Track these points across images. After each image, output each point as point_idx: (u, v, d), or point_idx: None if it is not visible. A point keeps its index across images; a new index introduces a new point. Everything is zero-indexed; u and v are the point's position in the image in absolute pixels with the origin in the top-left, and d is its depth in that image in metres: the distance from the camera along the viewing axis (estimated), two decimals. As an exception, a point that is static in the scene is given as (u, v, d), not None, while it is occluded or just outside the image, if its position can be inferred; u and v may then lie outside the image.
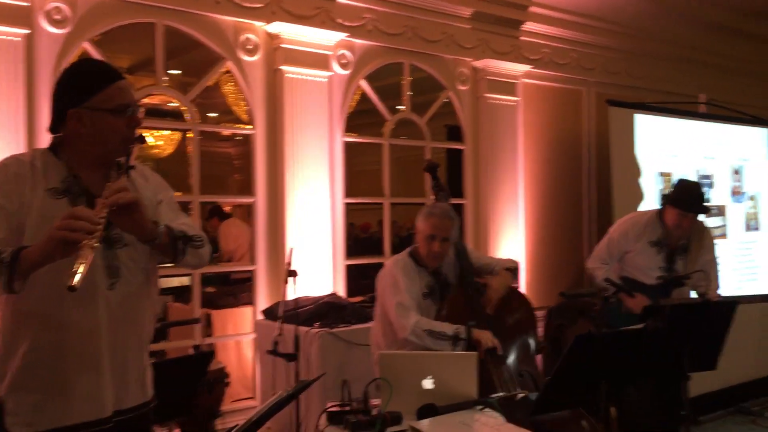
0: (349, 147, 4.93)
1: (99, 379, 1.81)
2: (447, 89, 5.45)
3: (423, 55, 5.27)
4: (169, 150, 7.77)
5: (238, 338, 4.95)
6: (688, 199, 3.92)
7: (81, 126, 1.82)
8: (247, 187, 4.68)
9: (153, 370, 2.00)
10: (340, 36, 4.70)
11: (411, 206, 5.85)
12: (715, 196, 6.22)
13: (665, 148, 5.94)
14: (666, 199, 4.08)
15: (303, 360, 3.63)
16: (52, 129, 1.90)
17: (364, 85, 5.01)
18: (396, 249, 4.28)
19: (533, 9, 5.72)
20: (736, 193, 6.43)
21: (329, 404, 2.46)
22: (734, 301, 3.25)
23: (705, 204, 3.99)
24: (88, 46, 3.94)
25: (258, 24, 4.47)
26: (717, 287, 4.05)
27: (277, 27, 4.44)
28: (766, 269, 6.64)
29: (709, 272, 3.96)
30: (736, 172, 6.45)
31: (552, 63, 6.00)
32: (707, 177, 6.17)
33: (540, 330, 5.09)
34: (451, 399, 2.36)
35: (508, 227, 5.62)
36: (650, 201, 5.67)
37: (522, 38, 5.76)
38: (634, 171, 5.73)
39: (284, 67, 4.50)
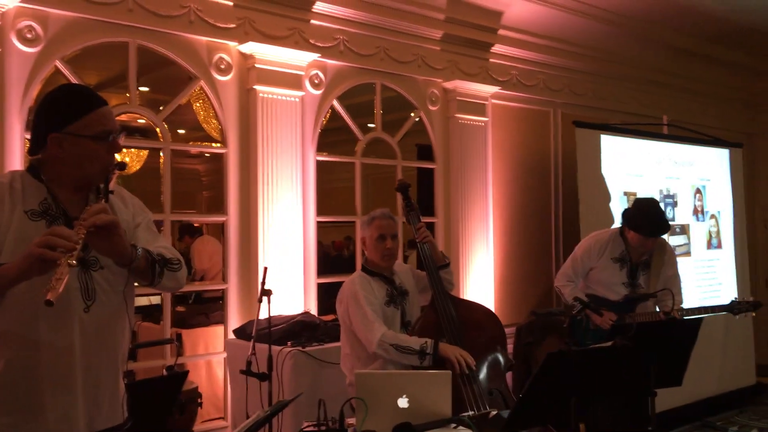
0: (320, 165, 4.97)
1: (72, 400, 1.81)
2: (418, 109, 5.53)
3: (394, 76, 5.34)
4: (136, 167, 7.71)
5: (209, 358, 4.92)
6: (649, 225, 4.03)
7: (61, 151, 1.83)
8: (217, 204, 4.68)
9: (127, 391, 2.00)
10: (312, 56, 4.74)
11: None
12: (678, 215, 6.37)
13: (630, 169, 6.07)
14: (626, 221, 4.18)
15: (276, 379, 3.63)
16: (32, 151, 1.90)
17: (336, 104, 5.06)
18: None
19: (502, 32, 5.84)
20: (698, 212, 6.60)
21: (305, 424, 2.47)
22: (699, 319, 3.35)
23: (665, 224, 4.10)
24: (59, 65, 3.92)
25: (231, 44, 4.49)
26: (681, 301, 4.16)
27: (250, 47, 4.47)
28: (728, 286, 6.81)
29: (672, 288, 4.07)
30: (699, 191, 6.62)
31: (520, 84, 6.12)
32: (671, 196, 6.33)
33: (509, 348, 5.15)
34: (426, 417, 2.39)
35: (478, 245, 5.69)
36: (616, 220, 5.79)
37: (491, 60, 5.87)
38: (600, 190, 5.85)
39: (257, 87, 4.52)
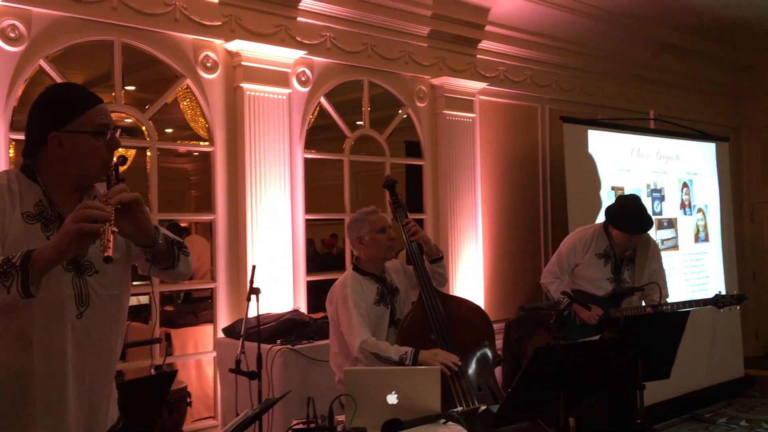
0: (308, 162, 4.96)
1: (64, 407, 1.79)
2: (406, 106, 5.53)
3: (382, 73, 5.34)
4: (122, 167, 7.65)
5: (199, 357, 4.90)
6: (632, 222, 4.05)
7: (62, 150, 1.82)
8: (205, 203, 4.66)
9: (117, 391, 1.99)
10: (299, 54, 4.73)
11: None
12: (666, 209, 6.41)
13: (618, 163, 6.10)
14: (609, 218, 4.19)
15: (265, 378, 3.62)
16: (27, 152, 1.88)
17: (323, 101, 5.05)
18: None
19: (489, 28, 5.85)
20: (685, 206, 6.63)
21: (294, 422, 2.47)
22: (685, 312, 3.37)
23: (648, 221, 4.12)
24: (44, 64, 3.89)
25: (217, 42, 4.48)
26: (666, 295, 4.18)
27: (237, 45, 4.46)
28: (716, 279, 6.86)
29: (657, 282, 4.09)
30: (686, 185, 6.66)
31: (507, 80, 6.13)
32: (658, 191, 6.36)
33: (498, 343, 5.17)
34: (415, 414, 2.39)
35: (467, 241, 5.70)
36: (603, 215, 5.81)
37: (478, 56, 5.88)
38: (588, 185, 5.87)
39: (244, 85, 4.51)
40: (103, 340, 1.87)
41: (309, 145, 4.97)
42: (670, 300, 4.25)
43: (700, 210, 6.79)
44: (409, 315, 3.24)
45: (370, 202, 3.45)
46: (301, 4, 4.74)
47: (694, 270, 6.64)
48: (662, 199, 6.39)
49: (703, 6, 6.37)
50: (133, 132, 4.65)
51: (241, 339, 3.58)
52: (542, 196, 6.45)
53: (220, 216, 4.53)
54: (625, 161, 6.15)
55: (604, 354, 2.73)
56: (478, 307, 3.47)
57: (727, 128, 8.19)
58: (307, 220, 4.93)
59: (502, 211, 6.11)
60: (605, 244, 4.19)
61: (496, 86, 6.02)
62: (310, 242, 6.48)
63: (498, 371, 3.74)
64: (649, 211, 4.50)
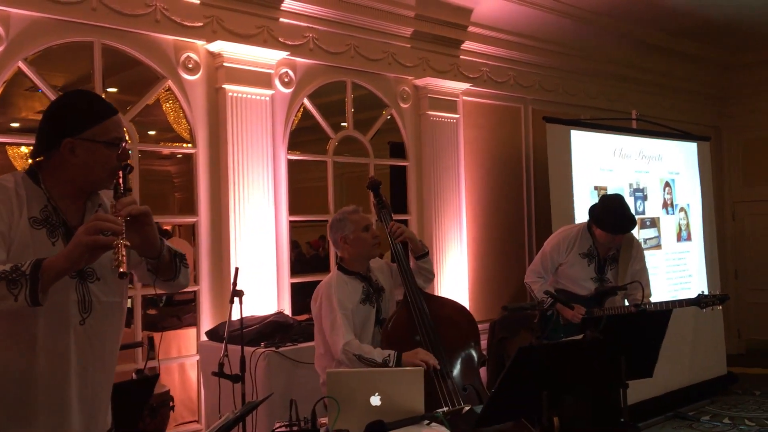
0: (292, 164, 4.94)
1: (66, 413, 1.80)
2: (389, 107, 5.52)
3: (365, 74, 5.33)
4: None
5: (182, 361, 4.87)
6: (615, 222, 4.07)
7: (73, 156, 1.82)
8: (188, 206, 4.63)
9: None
10: (281, 55, 4.71)
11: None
12: (648, 209, 6.45)
13: (600, 163, 6.13)
14: (592, 218, 4.21)
15: (249, 381, 3.60)
16: (36, 154, 1.88)
17: (307, 102, 5.04)
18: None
19: (472, 29, 5.86)
20: (668, 206, 6.68)
21: (277, 424, 2.46)
22: (668, 310, 3.39)
23: (631, 221, 4.14)
24: (23, 66, 3.85)
25: (199, 43, 4.45)
26: (649, 294, 4.20)
27: (219, 46, 4.43)
28: (699, 278, 6.91)
29: (640, 281, 4.11)
30: (668, 185, 6.71)
31: (490, 81, 6.15)
32: (641, 190, 6.40)
33: (484, 344, 5.17)
34: (399, 415, 2.38)
35: (451, 242, 5.71)
36: (586, 215, 5.84)
37: (461, 57, 5.89)
38: (571, 185, 5.89)
39: (226, 86, 4.48)
40: (104, 347, 1.89)
41: (292, 147, 4.95)
42: (653, 299, 4.28)
43: (682, 209, 6.84)
44: (394, 316, 3.24)
45: (354, 204, 3.44)
46: (283, 4, 4.72)
47: (676, 269, 6.69)
48: (645, 198, 6.42)
49: (684, 6, 6.41)
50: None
51: (224, 342, 3.56)
52: (526, 196, 6.47)
53: (203, 218, 4.50)
54: (607, 161, 6.18)
55: (587, 353, 2.74)
56: (463, 308, 3.47)
57: (708, 128, 8.26)
58: (291, 222, 4.91)
59: (486, 212, 6.12)
60: (589, 243, 4.21)
61: (479, 87, 6.03)
62: (295, 244, 6.46)
63: (483, 371, 3.74)
64: (632, 211, 4.52)
